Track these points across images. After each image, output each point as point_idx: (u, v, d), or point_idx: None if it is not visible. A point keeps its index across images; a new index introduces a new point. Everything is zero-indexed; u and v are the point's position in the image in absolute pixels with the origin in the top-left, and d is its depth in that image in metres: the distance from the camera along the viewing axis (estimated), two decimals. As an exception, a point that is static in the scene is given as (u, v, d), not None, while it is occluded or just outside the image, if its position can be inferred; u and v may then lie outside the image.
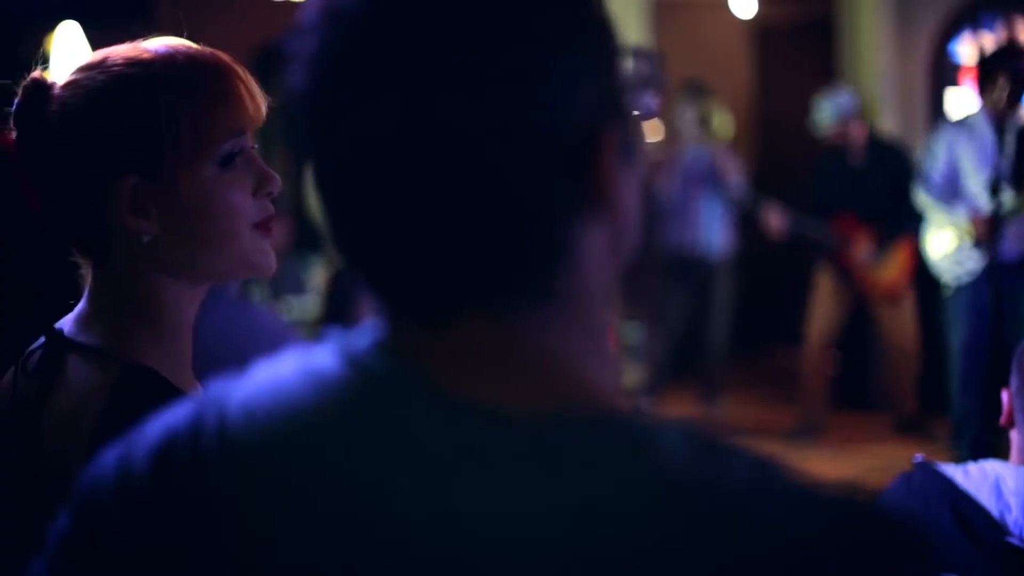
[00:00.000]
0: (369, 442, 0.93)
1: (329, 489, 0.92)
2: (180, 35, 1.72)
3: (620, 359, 7.22)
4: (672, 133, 8.97)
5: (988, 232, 6.57)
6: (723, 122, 9.05)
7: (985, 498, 2.47)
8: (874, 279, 7.99)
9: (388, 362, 0.95)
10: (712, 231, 8.84)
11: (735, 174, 8.77)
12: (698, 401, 9.14)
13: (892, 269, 7.98)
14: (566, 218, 0.94)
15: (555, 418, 0.91)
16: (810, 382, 8.29)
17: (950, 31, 9.33)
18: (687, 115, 8.85)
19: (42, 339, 1.64)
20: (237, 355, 1.10)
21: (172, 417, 1.03)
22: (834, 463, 7.40)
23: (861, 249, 7.93)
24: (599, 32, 0.99)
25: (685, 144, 8.89)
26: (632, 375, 7.93)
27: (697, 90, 8.98)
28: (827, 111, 8.00)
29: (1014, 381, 2.55)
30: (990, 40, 9.39)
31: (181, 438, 1.00)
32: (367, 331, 0.99)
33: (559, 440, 0.90)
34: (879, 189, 7.87)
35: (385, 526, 0.90)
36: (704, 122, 8.87)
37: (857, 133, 8.02)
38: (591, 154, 0.95)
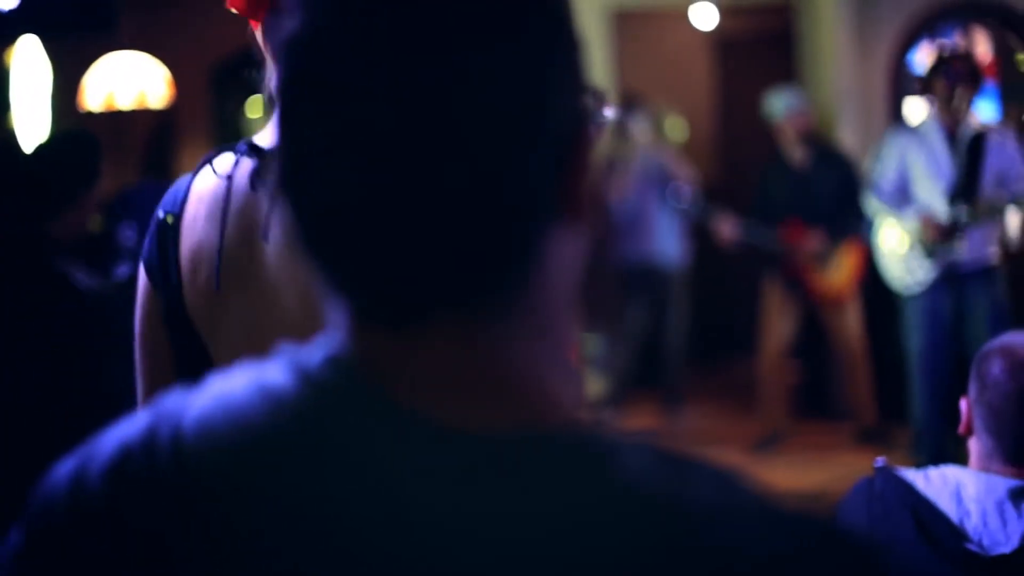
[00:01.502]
0: (322, 461, 0.91)
1: (283, 509, 0.91)
2: (141, 51, 1.71)
3: (582, 371, 7.22)
4: (624, 141, 8.96)
5: (940, 239, 6.62)
6: (675, 125, 9.07)
7: (945, 504, 2.49)
8: (821, 284, 8.02)
9: (342, 377, 0.94)
10: (667, 241, 8.87)
11: (685, 180, 8.79)
12: (660, 412, 9.16)
13: (839, 274, 8.02)
14: (543, 223, 0.94)
15: (516, 435, 0.90)
16: (770, 392, 8.31)
17: (909, 41, 9.38)
18: (639, 119, 8.88)
19: None
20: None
21: (125, 431, 1.01)
22: (796, 473, 7.42)
23: (808, 254, 7.96)
24: (575, 40, 0.99)
25: (636, 150, 8.90)
26: (594, 387, 7.93)
27: (635, 104, 9.03)
28: (775, 108, 8.09)
29: (972, 389, 2.57)
30: (941, 48, 9.46)
31: (135, 453, 0.98)
32: (321, 344, 0.98)
33: (520, 458, 0.89)
34: (824, 195, 7.91)
35: (340, 546, 0.89)
36: (656, 126, 8.91)
37: (794, 130, 8.11)
38: (568, 158, 0.95)
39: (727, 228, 8.13)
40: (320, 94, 0.92)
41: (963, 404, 2.59)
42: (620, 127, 8.89)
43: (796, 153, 8.07)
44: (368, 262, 0.93)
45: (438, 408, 0.91)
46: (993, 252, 6.89)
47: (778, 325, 8.21)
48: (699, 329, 9.63)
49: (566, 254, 0.98)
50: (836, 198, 7.82)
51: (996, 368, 2.52)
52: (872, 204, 7.06)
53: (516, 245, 0.93)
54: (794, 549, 0.89)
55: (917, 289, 6.81)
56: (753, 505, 0.92)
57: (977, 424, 2.55)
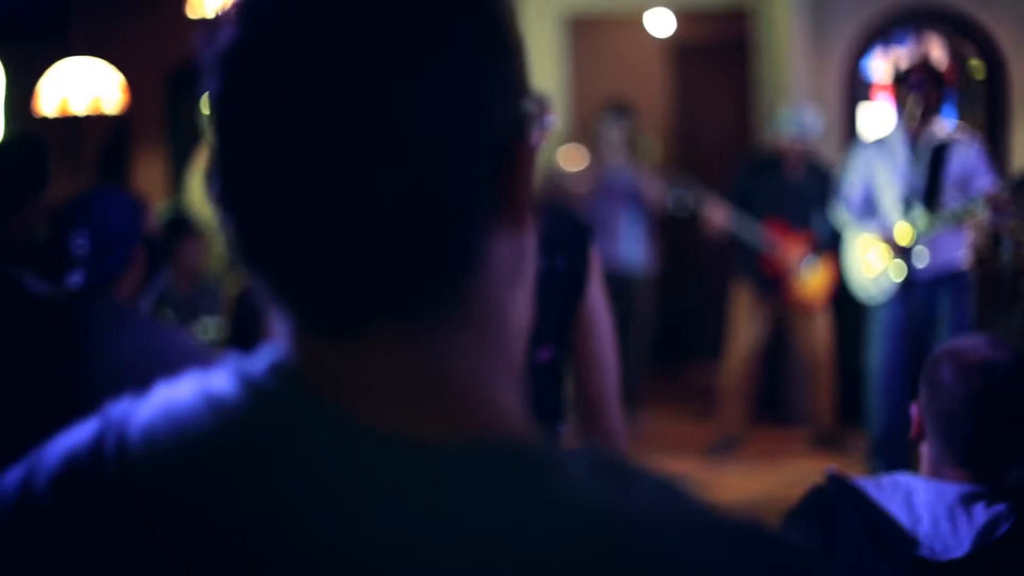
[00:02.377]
0: (265, 470, 0.91)
1: (226, 518, 0.91)
2: (95, 56, 1.71)
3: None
4: (594, 152, 8.97)
5: (900, 256, 6.67)
6: (646, 145, 9.06)
7: (896, 510, 2.50)
8: (796, 289, 8.05)
9: (285, 386, 0.94)
10: (633, 248, 8.87)
11: (654, 199, 8.79)
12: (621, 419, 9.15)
13: (815, 282, 8.05)
14: (482, 227, 0.94)
15: (457, 445, 0.90)
16: (730, 397, 8.33)
17: (863, 48, 9.43)
18: (612, 135, 8.86)
19: None
20: (150, 377, 1.09)
21: (73, 439, 1.01)
22: (751, 478, 7.45)
23: (793, 255, 7.98)
24: (514, 46, 0.98)
25: (606, 164, 8.88)
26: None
27: (621, 110, 9.00)
28: (790, 122, 8.05)
29: (923, 394, 2.59)
30: (904, 57, 9.50)
31: (82, 462, 0.98)
32: (267, 353, 0.97)
33: (460, 469, 0.89)
34: (810, 203, 7.93)
35: (282, 555, 0.89)
36: (629, 143, 8.91)
37: (801, 152, 8.11)
38: (506, 163, 0.95)
39: (718, 216, 8.09)
40: (254, 104, 0.92)
41: (914, 409, 2.61)
42: (598, 132, 8.90)
43: (793, 167, 8.09)
44: (307, 271, 0.93)
45: (380, 416, 0.91)
46: (961, 257, 6.93)
47: (746, 329, 8.23)
48: (663, 333, 9.63)
49: (508, 258, 0.98)
50: (819, 208, 7.86)
51: (946, 373, 2.54)
52: (840, 215, 7.10)
53: (455, 250, 0.93)
54: (734, 561, 0.88)
55: (882, 299, 6.85)
56: (694, 516, 0.91)
57: (928, 429, 2.57)
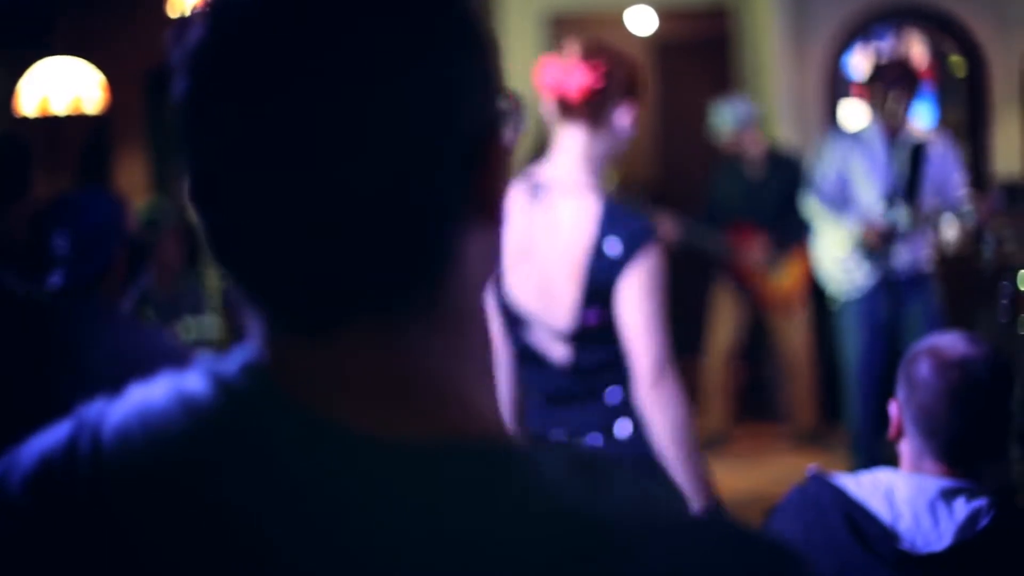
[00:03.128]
0: (238, 470, 0.91)
1: (199, 519, 0.90)
2: (75, 56, 1.71)
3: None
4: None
5: (879, 243, 6.67)
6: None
7: (878, 506, 2.52)
8: (769, 289, 8.06)
9: (259, 385, 0.94)
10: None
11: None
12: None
13: (787, 280, 8.05)
14: (456, 223, 0.94)
15: (430, 444, 0.90)
16: (713, 395, 8.35)
17: (844, 45, 9.45)
18: None
19: None
20: (131, 377, 1.08)
21: (48, 440, 1.01)
22: (735, 475, 7.45)
23: (754, 258, 7.98)
24: (486, 45, 0.98)
25: None
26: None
27: None
28: (725, 117, 8.04)
29: (901, 392, 2.60)
30: (882, 54, 9.53)
31: (56, 463, 0.98)
32: (239, 353, 0.97)
33: (438, 470, 0.89)
34: (776, 200, 7.90)
35: (254, 554, 0.88)
36: None
37: (753, 142, 8.06)
38: (479, 160, 0.95)
39: (667, 228, 8.13)
40: (223, 104, 0.92)
41: (892, 407, 2.62)
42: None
43: (752, 161, 8.08)
44: (279, 271, 0.93)
45: (354, 416, 0.91)
46: (927, 259, 6.95)
47: (724, 328, 8.25)
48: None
49: (479, 256, 0.98)
50: (785, 203, 7.81)
51: (924, 369, 2.55)
52: (812, 206, 7.10)
53: (427, 248, 0.93)
54: (712, 561, 0.88)
55: (855, 294, 6.86)
56: (671, 516, 0.91)
57: (908, 426, 2.58)
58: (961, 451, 2.55)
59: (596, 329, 3.46)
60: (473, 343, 0.99)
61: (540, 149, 8.74)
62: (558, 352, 3.54)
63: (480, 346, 1.00)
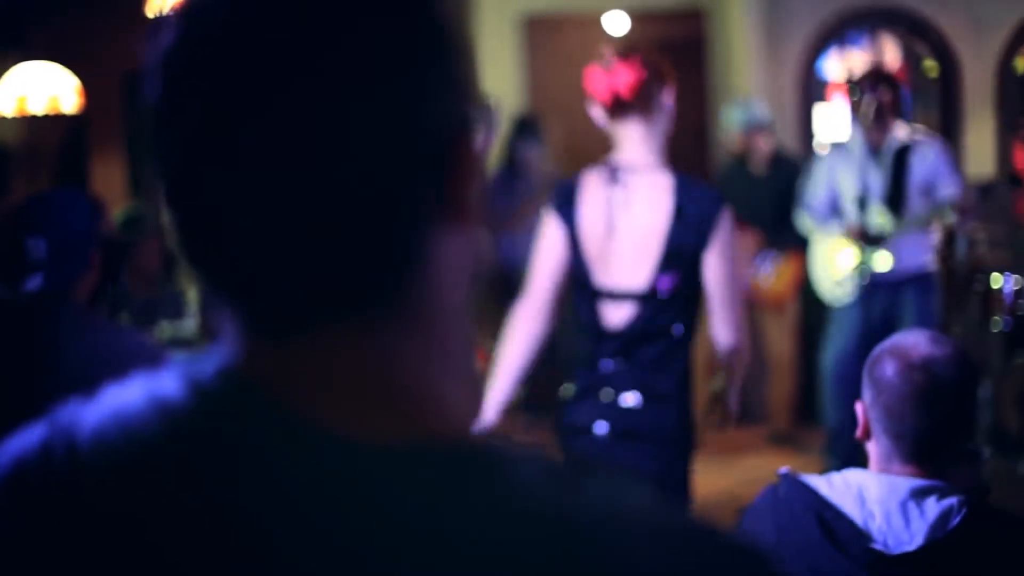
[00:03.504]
0: (214, 473, 0.91)
1: (177, 523, 0.90)
2: (53, 59, 1.71)
3: (487, 377, 7.23)
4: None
5: (864, 242, 6.72)
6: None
7: (849, 507, 2.53)
8: (759, 289, 8.07)
9: (233, 389, 0.94)
10: None
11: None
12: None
13: (780, 281, 8.07)
14: (427, 225, 0.94)
15: (404, 446, 0.90)
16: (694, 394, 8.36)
17: (818, 48, 9.47)
18: (527, 155, 8.76)
19: None
20: (108, 380, 1.08)
21: (20, 444, 1.01)
22: (709, 475, 7.46)
23: (748, 258, 8.00)
24: (457, 47, 0.99)
25: (533, 175, 8.81)
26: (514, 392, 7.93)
27: (527, 129, 8.90)
28: (735, 119, 8.07)
29: (867, 394, 2.61)
30: (857, 60, 9.56)
31: (31, 465, 0.98)
32: (213, 356, 0.97)
33: (413, 472, 0.89)
34: (775, 201, 7.93)
35: (231, 557, 0.88)
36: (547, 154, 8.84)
37: (761, 146, 8.10)
38: (451, 162, 0.95)
39: None
40: (194, 106, 0.92)
41: (858, 408, 2.63)
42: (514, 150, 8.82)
43: (757, 163, 8.10)
44: (252, 273, 0.93)
45: (327, 417, 0.91)
46: (926, 259, 6.98)
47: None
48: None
49: (453, 258, 0.98)
50: (784, 205, 7.81)
51: (889, 370, 2.56)
52: (804, 222, 7.14)
53: (399, 249, 0.93)
54: (685, 562, 0.89)
55: (846, 300, 6.90)
56: (646, 517, 0.91)
57: (875, 427, 2.59)
58: (929, 452, 2.56)
59: (667, 292, 4.00)
60: (449, 344, 0.99)
61: (509, 153, 8.77)
62: (623, 317, 4.06)
63: (457, 347, 1.00)
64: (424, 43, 0.95)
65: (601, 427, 4.09)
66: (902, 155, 6.82)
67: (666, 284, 3.99)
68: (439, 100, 0.95)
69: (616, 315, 4.08)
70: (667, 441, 4.09)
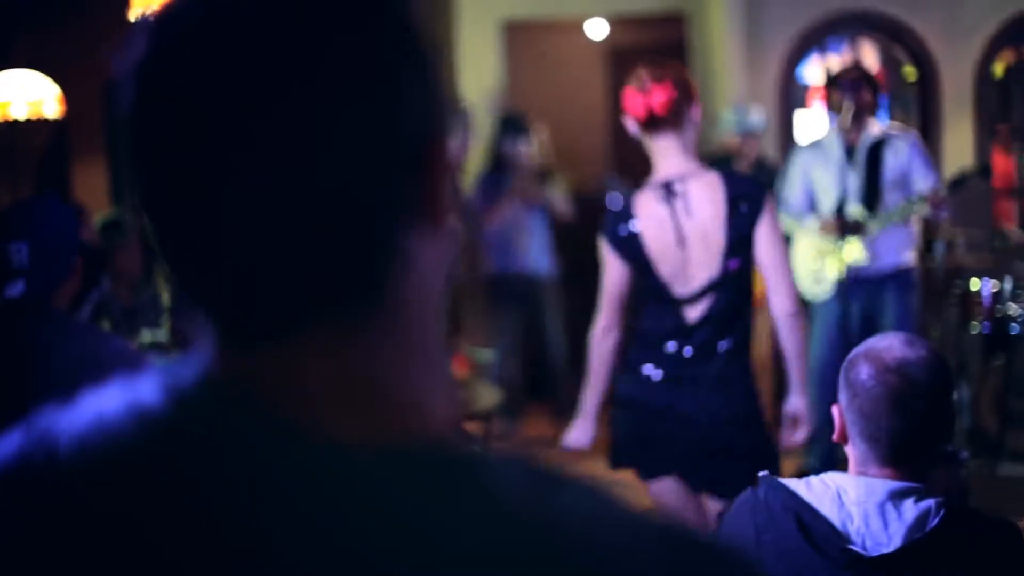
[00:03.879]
0: (193, 479, 0.90)
1: (160, 529, 0.89)
2: (35, 66, 1.70)
3: (466, 381, 7.23)
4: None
5: (839, 234, 6.74)
6: (558, 178, 9.01)
7: (827, 509, 2.54)
8: None
9: (211, 395, 0.94)
10: (540, 255, 8.93)
11: (564, 215, 8.89)
12: (552, 420, 9.21)
13: (758, 279, 8.08)
14: (403, 228, 0.94)
15: (388, 452, 0.90)
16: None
17: (798, 54, 9.51)
18: (523, 143, 8.81)
19: None
20: (87, 384, 1.08)
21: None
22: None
23: None
24: (429, 48, 0.98)
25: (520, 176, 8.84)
26: (491, 398, 7.92)
27: (514, 126, 8.93)
28: (731, 122, 8.11)
29: (842, 396, 2.61)
30: (836, 62, 9.60)
31: (11, 470, 0.97)
32: (191, 362, 0.96)
33: (393, 476, 0.89)
34: None
35: (213, 562, 0.88)
36: (543, 177, 8.85)
37: (750, 150, 8.17)
38: (425, 165, 0.95)
39: None
40: (169, 112, 0.92)
41: (835, 411, 2.65)
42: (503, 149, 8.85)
43: (741, 166, 8.14)
44: (228, 280, 0.92)
45: (308, 421, 0.91)
46: (907, 256, 7.00)
47: None
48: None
49: (430, 260, 0.98)
50: None
51: (863, 374, 2.57)
52: (781, 220, 7.16)
53: (375, 252, 0.93)
54: (664, 566, 0.89)
55: (824, 297, 6.92)
56: (624, 522, 0.92)
57: (851, 430, 2.60)
58: (905, 454, 2.56)
59: (735, 273, 4.49)
60: (427, 347, 0.98)
61: (496, 151, 8.79)
62: (700, 311, 4.50)
63: (431, 350, 0.99)
64: (397, 49, 0.95)
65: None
66: (876, 150, 6.84)
67: (734, 266, 4.48)
68: (414, 104, 0.95)
69: (694, 312, 4.51)
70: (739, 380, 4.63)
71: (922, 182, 6.92)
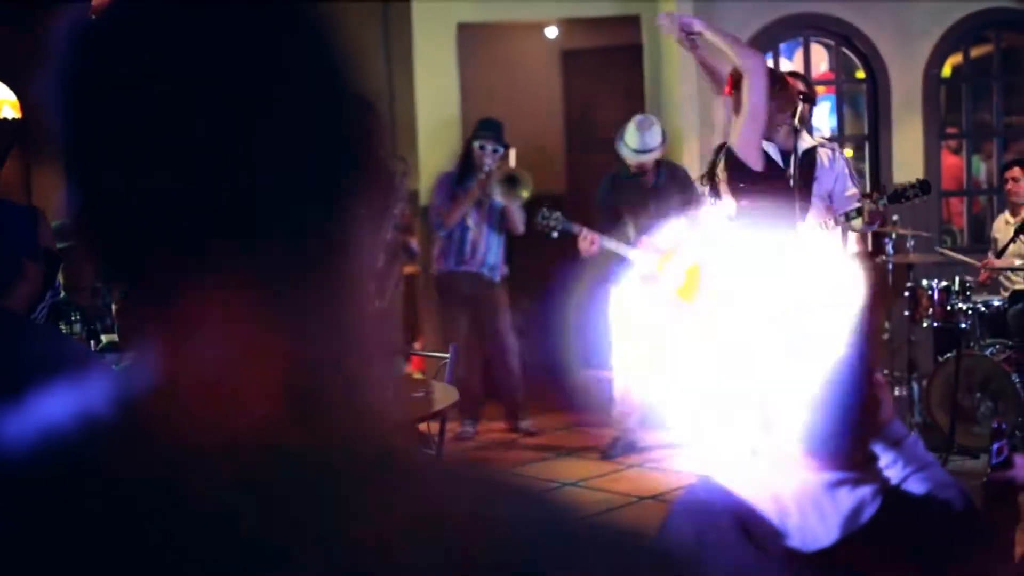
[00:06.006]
0: (142, 486, 0.89)
1: (111, 527, 0.89)
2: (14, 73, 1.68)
3: (421, 382, 7.26)
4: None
5: None
6: (524, 177, 9.02)
7: (765, 506, 2.57)
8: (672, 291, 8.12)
9: (158, 400, 0.93)
10: (494, 257, 9.00)
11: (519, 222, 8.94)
12: (507, 421, 9.24)
13: (688, 282, 8.11)
14: (343, 213, 0.93)
15: (328, 453, 0.90)
16: (622, 404, 8.44)
17: (750, 55, 9.54)
18: (490, 151, 8.83)
19: None
20: (40, 387, 1.03)
21: None
22: (642, 479, 7.52)
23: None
24: (352, 102, 0.96)
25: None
26: (449, 398, 7.95)
27: (493, 130, 8.98)
28: (634, 150, 8.20)
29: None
30: (788, 66, 9.65)
31: None
32: (139, 364, 0.95)
33: (332, 476, 0.88)
34: (669, 205, 7.98)
35: (164, 568, 0.87)
36: (510, 183, 8.87)
37: (649, 166, 8.24)
38: (360, 153, 0.95)
39: (590, 240, 8.17)
40: (90, 91, 0.92)
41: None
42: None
43: (647, 174, 8.19)
44: (169, 282, 0.91)
45: (242, 426, 0.90)
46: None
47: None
48: (561, 341, 9.65)
49: (366, 253, 0.96)
50: (679, 209, 7.88)
51: None
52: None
53: (314, 236, 0.92)
54: (598, 568, 0.90)
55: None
56: (559, 523, 0.92)
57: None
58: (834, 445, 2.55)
59: None
60: (366, 345, 0.97)
61: (466, 153, 8.80)
62: None
63: (374, 348, 0.98)
64: (315, 99, 0.92)
65: None
66: (806, 160, 6.90)
67: None
68: (346, 91, 0.94)
69: None
70: None
71: (848, 192, 6.96)
